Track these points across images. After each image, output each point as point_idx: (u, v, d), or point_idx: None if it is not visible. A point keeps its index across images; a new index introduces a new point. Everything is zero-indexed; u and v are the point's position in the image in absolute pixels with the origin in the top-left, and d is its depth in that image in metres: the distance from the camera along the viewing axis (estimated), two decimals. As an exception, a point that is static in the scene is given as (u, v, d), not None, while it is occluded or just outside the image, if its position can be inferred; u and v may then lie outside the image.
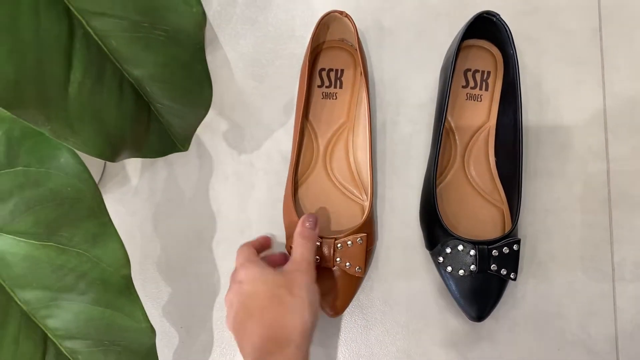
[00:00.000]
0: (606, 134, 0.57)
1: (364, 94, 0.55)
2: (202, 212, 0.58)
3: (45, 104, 0.31)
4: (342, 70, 0.58)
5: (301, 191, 0.57)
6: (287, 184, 0.55)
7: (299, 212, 0.55)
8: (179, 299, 0.57)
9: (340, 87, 0.58)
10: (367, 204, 0.54)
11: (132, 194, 0.59)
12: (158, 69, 0.36)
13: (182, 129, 0.41)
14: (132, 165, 0.60)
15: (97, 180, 0.60)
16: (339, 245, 0.51)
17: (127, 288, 0.40)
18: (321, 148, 0.58)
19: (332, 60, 0.58)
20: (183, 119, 0.41)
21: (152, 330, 0.42)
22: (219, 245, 0.58)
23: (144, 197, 0.59)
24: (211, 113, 0.60)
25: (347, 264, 0.51)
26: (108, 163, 0.61)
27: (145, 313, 0.41)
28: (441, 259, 0.50)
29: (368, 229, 0.53)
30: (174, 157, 0.60)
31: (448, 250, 0.50)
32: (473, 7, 0.57)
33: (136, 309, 0.41)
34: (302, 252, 0.47)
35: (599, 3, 0.58)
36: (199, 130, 0.60)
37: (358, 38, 0.53)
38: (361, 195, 0.56)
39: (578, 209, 0.55)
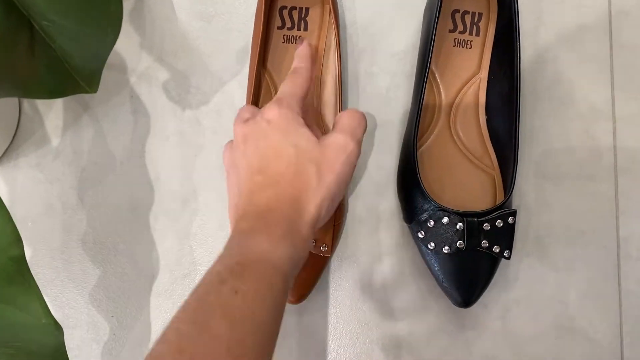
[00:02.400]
0: (612, 90, 0.49)
1: (334, 38, 0.46)
2: (137, 179, 0.48)
3: None
4: (307, 9, 0.48)
5: (257, 154, 0.47)
6: (239, 145, 0.46)
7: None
8: (110, 284, 0.47)
9: (305, 29, 0.49)
10: (335, 169, 0.45)
11: (52, 157, 0.49)
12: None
13: (83, 59, 0.31)
14: (52, 122, 0.49)
15: (9, 141, 0.50)
16: (300, 218, 0.42)
17: (19, 274, 0.31)
18: (281, 103, 0.48)
19: (294, -4, 0.49)
20: (84, 45, 0.30)
21: (57, 327, 0.32)
22: (158, 219, 0.48)
23: (67, 161, 0.49)
24: (148, 59, 0.50)
25: (311, 241, 0.42)
26: (22, 119, 0.50)
27: (46, 305, 0.32)
28: (422, 233, 0.42)
29: (336, 199, 0.44)
30: (101, 112, 0.49)
31: (431, 223, 0.42)
32: (463, -64, 0.48)
33: (33, 300, 0.31)
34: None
35: (607, -63, 0.50)
36: (133, 80, 0.50)
37: (325, -35, 0.44)
38: (329, 159, 0.47)
39: (580, 176, 0.48)
